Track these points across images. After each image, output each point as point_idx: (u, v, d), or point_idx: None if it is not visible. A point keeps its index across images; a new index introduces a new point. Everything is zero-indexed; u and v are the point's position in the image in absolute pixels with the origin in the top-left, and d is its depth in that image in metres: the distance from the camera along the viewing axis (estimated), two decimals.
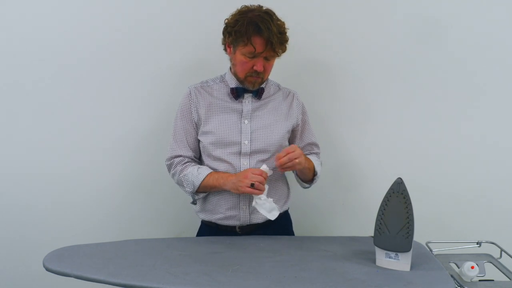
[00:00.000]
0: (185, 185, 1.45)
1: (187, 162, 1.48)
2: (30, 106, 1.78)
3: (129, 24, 1.76)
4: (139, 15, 1.76)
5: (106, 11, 1.74)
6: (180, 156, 1.48)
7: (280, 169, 1.37)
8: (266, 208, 1.35)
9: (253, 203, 1.36)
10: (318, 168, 1.51)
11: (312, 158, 1.53)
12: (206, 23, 1.67)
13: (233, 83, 1.47)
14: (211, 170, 1.44)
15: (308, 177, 1.51)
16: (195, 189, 1.43)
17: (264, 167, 1.36)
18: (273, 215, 1.35)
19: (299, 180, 1.56)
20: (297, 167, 1.37)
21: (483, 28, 1.76)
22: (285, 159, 1.32)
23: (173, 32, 1.77)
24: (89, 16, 1.74)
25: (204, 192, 1.46)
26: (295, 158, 1.33)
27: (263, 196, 1.34)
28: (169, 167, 1.50)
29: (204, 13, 1.74)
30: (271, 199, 1.36)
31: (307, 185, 1.56)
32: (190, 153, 1.49)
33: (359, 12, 1.78)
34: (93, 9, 1.74)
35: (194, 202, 1.52)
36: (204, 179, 1.41)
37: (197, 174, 1.42)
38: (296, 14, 1.74)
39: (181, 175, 1.45)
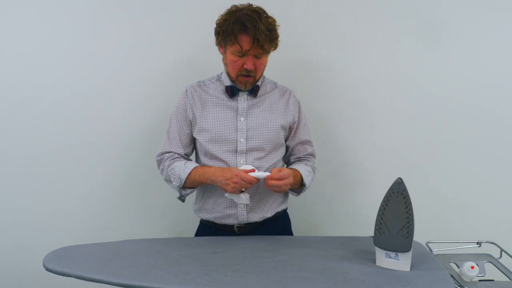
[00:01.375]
0: (172, 179, 1.44)
1: (176, 157, 1.48)
2: (30, 107, 1.78)
3: (128, 24, 1.76)
4: (137, 14, 1.76)
5: (104, 10, 1.74)
6: (170, 152, 1.48)
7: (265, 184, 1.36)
8: (240, 199, 1.39)
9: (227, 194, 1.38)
10: (306, 180, 1.47)
11: (303, 167, 1.50)
12: (205, 22, 1.67)
13: (228, 81, 1.48)
14: (198, 164, 1.44)
15: (294, 187, 1.49)
16: (182, 183, 1.42)
17: (256, 174, 1.33)
18: (241, 199, 1.38)
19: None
20: (279, 192, 1.44)
21: (484, 28, 1.76)
22: (273, 183, 1.33)
23: (172, 31, 1.78)
24: (88, 16, 1.74)
25: (191, 187, 1.45)
26: (282, 186, 1.35)
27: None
28: (159, 162, 1.50)
29: (203, 13, 1.74)
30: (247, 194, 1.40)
31: (294, 194, 1.54)
32: (181, 151, 1.49)
33: (361, 11, 1.78)
34: (92, 9, 1.74)
35: (181, 198, 1.50)
36: (190, 173, 1.40)
37: (184, 167, 1.42)
38: (296, 13, 1.75)
39: (168, 169, 1.45)
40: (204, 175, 1.39)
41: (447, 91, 1.81)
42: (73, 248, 1.30)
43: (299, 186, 1.49)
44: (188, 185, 1.43)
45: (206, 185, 1.44)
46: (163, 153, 1.49)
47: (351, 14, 1.78)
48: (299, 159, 1.56)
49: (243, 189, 1.35)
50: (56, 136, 1.80)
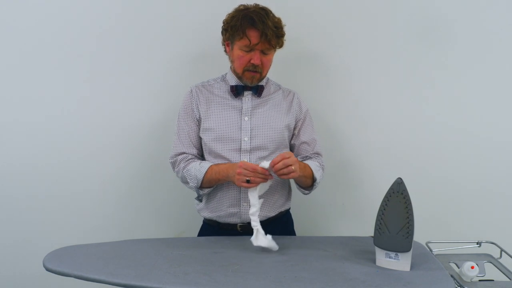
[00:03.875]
0: (189, 180, 1.44)
1: (190, 159, 1.48)
2: (31, 106, 1.78)
3: (135, 22, 1.76)
4: (145, 13, 1.76)
5: (112, 8, 1.75)
6: (184, 153, 1.48)
7: (277, 175, 1.31)
8: (264, 242, 1.29)
9: (254, 237, 1.29)
10: (317, 174, 1.46)
11: (311, 162, 1.49)
12: (212, 23, 1.68)
13: (233, 81, 1.50)
14: (212, 163, 1.44)
15: (306, 184, 1.48)
16: (199, 184, 1.42)
17: (263, 164, 1.30)
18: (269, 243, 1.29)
19: (297, 186, 1.53)
20: (292, 175, 1.30)
21: (484, 27, 1.76)
22: (280, 165, 1.27)
23: (179, 31, 1.78)
24: (96, 14, 1.74)
25: (209, 187, 1.45)
26: (290, 165, 1.27)
27: (260, 230, 1.29)
28: (173, 165, 1.50)
29: (210, 13, 1.74)
30: (270, 236, 1.30)
31: (306, 192, 1.53)
32: (193, 151, 1.49)
33: (362, 11, 1.78)
34: (100, 7, 1.74)
35: (199, 198, 1.51)
36: (206, 172, 1.40)
37: (199, 167, 1.42)
38: (297, 14, 1.75)
39: (184, 171, 1.45)
40: (219, 173, 1.39)
41: (448, 90, 1.81)
42: (73, 248, 1.30)
43: (310, 182, 1.47)
44: (205, 185, 1.44)
45: (223, 182, 1.43)
46: (176, 155, 1.49)
47: (356, 15, 1.78)
48: (306, 158, 1.55)
49: (248, 179, 1.29)
50: (56, 136, 1.80)
